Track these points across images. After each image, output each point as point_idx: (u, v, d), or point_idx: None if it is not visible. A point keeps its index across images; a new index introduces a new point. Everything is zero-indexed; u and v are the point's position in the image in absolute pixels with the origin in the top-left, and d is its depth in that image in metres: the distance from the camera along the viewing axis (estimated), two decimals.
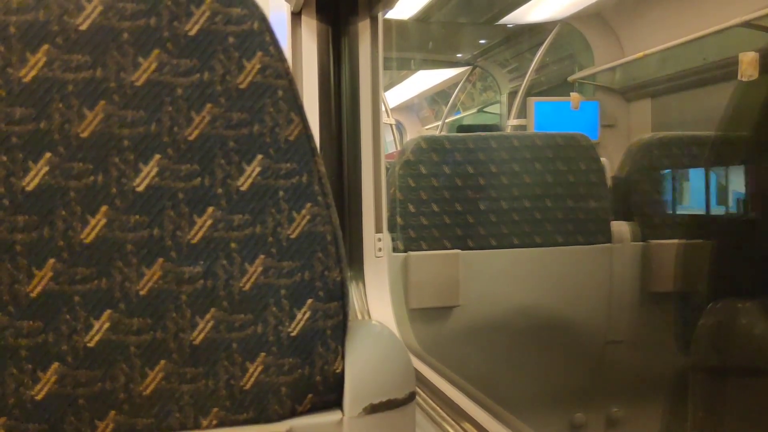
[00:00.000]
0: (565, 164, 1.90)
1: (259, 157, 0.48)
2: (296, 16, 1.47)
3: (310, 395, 0.50)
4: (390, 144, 6.47)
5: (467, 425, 1.15)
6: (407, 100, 8.25)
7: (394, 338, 0.55)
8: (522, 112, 4.99)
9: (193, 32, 0.47)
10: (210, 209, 0.47)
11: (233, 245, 0.48)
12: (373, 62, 1.54)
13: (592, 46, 4.73)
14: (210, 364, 0.48)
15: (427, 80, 7.31)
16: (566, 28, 4.82)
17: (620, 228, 1.93)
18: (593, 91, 4.89)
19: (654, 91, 4.36)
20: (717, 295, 0.91)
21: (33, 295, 0.45)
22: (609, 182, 2.01)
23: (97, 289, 0.46)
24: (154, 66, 0.46)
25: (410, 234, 1.80)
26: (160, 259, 0.47)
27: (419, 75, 7.09)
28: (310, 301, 0.50)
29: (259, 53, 0.48)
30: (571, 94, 4.67)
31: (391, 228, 1.80)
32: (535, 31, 5.08)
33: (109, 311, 0.46)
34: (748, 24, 3.10)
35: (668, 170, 1.94)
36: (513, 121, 5.11)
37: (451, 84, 7.04)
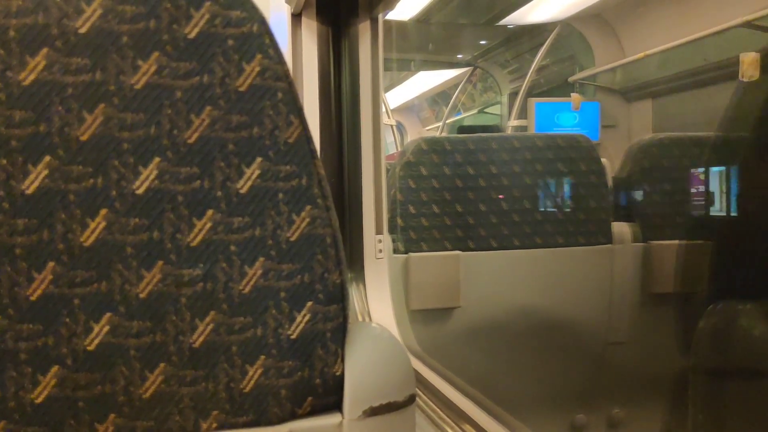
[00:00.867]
0: (566, 165, 1.90)
1: (259, 159, 0.48)
2: (296, 17, 1.47)
3: (309, 398, 0.50)
4: (391, 145, 6.47)
5: (467, 427, 1.15)
6: (408, 101, 8.25)
7: (394, 341, 0.55)
8: (523, 113, 4.99)
9: (192, 35, 0.47)
10: (209, 212, 0.47)
11: (233, 248, 0.48)
12: (374, 63, 1.54)
13: (592, 46, 4.73)
14: (210, 367, 0.48)
15: (427, 81, 7.31)
16: (567, 29, 4.82)
17: (621, 229, 1.93)
18: (594, 91, 4.89)
19: (655, 92, 4.36)
20: (717, 296, 0.91)
21: (33, 298, 0.45)
22: (610, 183, 2.01)
23: (97, 292, 0.46)
24: (153, 69, 0.46)
25: (411, 235, 1.80)
26: (160, 262, 0.47)
27: (420, 76, 7.10)
28: (309, 303, 0.50)
29: (259, 56, 0.48)
30: (572, 94, 4.67)
31: (392, 229, 1.80)
32: (536, 32, 5.08)
33: (108, 314, 0.46)
34: (748, 24, 3.10)
35: (669, 171, 1.94)
36: (514, 122, 5.11)
37: (452, 85, 7.05)
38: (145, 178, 0.46)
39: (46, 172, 0.45)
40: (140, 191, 0.46)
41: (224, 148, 0.47)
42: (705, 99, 3.74)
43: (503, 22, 5.05)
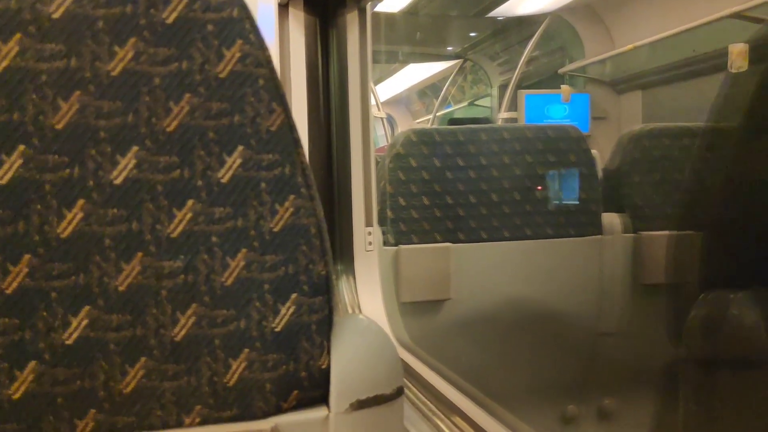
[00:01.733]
0: (556, 156, 1.89)
1: (240, 148, 0.47)
2: (283, 8, 1.46)
3: (295, 392, 0.49)
4: (381, 138, 6.45)
5: (458, 419, 1.14)
6: (398, 94, 8.23)
7: (382, 332, 0.54)
8: (513, 105, 4.98)
9: (170, 20, 0.45)
10: (190, 202, 0.46)
11: (214, 239, 0.47)
12: (362, 54, 1.53)
13: (582, 38, 4.73)
14: (192, 361, 0.47)
15: (417, 74, 7.30)
16: (556, 21, 4.81)
17: (611, 220, 1.92)
18: (584, 83, 4.89)
19: (644, 83, 4.37)
20: (708, 286, 0.91)
21: (8, 291, 0.44)
22: (600, 174, 2.01)
23: (75, 284, 0.45)
24: (130, 55, 0.45)
25: (401, 227, 1.79)
26: (139, 254, 0.45)
27: (410, 68, 7.08)
28: (294, 295, 0.49)
29: (239, 41, 0.46)
30: (562, 86, 4.67)
31: (382, 221, 1.79)
32: (526, 24, 5.07)
33: (87, 307, 0.45)
34: (737, 15, 3.10)
35: (659, 161, 1.94)
36: (504, 114, 5.10)
37: (442, 77, 7.03)
38: (123, 168, 0.45)
39: (20, 161, 0.43)
40: (118, 181, 0.45)
41: (204, 137, 0.46)
42: (694, 90, 3.74)
43: (493, 13, 5.04)
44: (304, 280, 0.49)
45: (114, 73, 0.44)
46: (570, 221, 1.89)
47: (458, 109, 7.09)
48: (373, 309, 1.52)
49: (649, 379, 1.63)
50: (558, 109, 4.71)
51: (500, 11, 4.94)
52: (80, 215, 0.44)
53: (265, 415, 0.49)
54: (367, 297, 1.53)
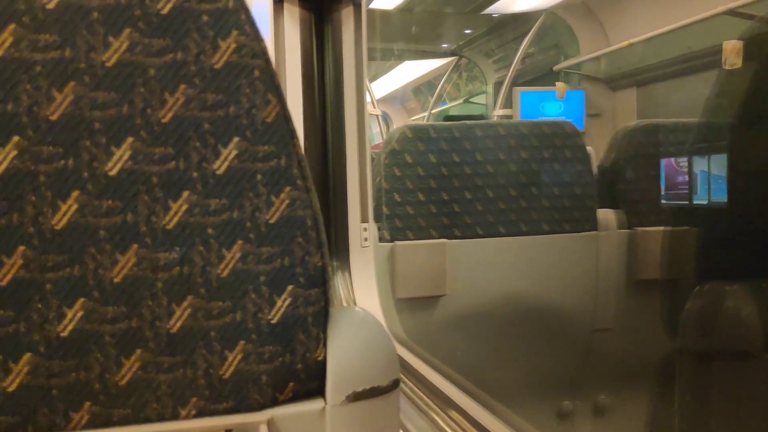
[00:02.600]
0: (551, 152, 1.89)
1: (236, 139, 0.47)
2: (278, 3, 1.46)
3: (291, 384, 0.49)
4: (376, 135, 6.45)
5: (454, 413, 1.15)
6: (393, 91, 8.23)
7: (378, 325, 0.54)
8: (508, 102, 4.99)
9: (165, 11, 0.45)
10: (185, 194, 0.46)
11: (210, 231, 0.47)
12: (357, 50, 1.53)
13: (577, 35, 4.74)
14: (188, 353, 0.47)
15: (412, 71, 7.30)
16: (551, 18, 4.82)
17: (606, 216, 1.93)
18: (579, 80, 4.90)
19: (639, 80, 4.38)
20: (704, 279, 0.91)
21: (3, 283, 0.44)
22: (595, 170, 2.01)
23: (70, 276, 0.44)
24: (125, 46, 0.44)
25: (396, 223, 1.80)
26: (135, 246, 0.45)
27: (405, 66, 7.07)
28: (290, 287, 0.48)
29: (235, 32, 0.46)
30: (557, 83, 4.67)
31: (378, 218, 1.79)
32: (521, 21, 5.08)
33: (82, 299, 0.45)
34: (731, 12, 3.11)
35: (654, 157, 1.95)
36: (499, 111, 5.11)
37: (437, 75, 7.03)
38: (118, 159, 0.45)
39: (15, 152, 0.43)
40: (113, 172, 0.45)
41: (200, 128, 0.46)
42: (689, 87, 3.75)
43: (488, 11, 5.04)
44: (300, 272, 0.49)
45: (109, 64, 0.44)
46: (565, 217, 1.89)
47: (453, 107, 7.09)
48: (369, 305, 1.52)
49: (644, 374, 1.63)
50: (553, 106, 4.72)
51: (495, 8, 4.95)
52: (75, 207, 0.44)
53: (261, 407, 0.48)
54: (362, 293, 1.53)
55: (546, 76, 5.09)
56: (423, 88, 7.86)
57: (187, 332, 0.47)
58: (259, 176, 0.47)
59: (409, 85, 7.99)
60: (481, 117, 5.94)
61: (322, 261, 0.50)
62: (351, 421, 0.50)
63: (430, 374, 1.31)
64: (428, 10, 5.18)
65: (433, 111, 6.95)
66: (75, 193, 0.44)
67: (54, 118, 0.44)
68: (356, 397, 0.50)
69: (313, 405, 0.49)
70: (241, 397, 0.48)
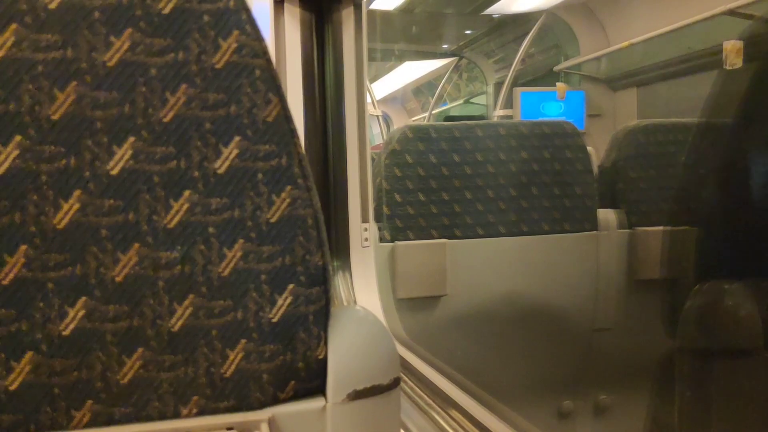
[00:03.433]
0: (551, 152, 1.89)
1: (237, 138, 0.47)
2: (279, 4, 1.46)
3: (292, 382, 0.49)
4: (377, 136, 6.45)
5: (455, 413, 1.15)
6: (394, 92, 8.23)
7: (378, 323, 0.54)
8: (508, 103, 4.99)
9: (166, 10, 0.45)
10: (186, 193, 0.46)
11: (211, 230, 0.47)
12: (358, 50, 1.53)
13: (577, 35, 4.74)
14: (189, 352, 0.47)
15: (413, 72, 7.30)
16: (552, 18, 4.82)
17: (607, 215, 1.93)
18: (579, 80, 4.90)
19: (639, 80, 4.38)
20: (703, 277, 0.91)
21: (5, 282, 0.44)
22: (595, 170, 2.01)
23: (72, 275, 0.45)
24: (126, 45, 0.45)
25: (397, 223, 1.80)
26: (136, 245, 0.45)
27: (405, 66, 7.07)
28: (291, 286, 0.49)
29: (236, 32, 0.46)
30: (557, 84, 4.67)
31: (378, 218, 1.79)
32: (521, 22, 5.08)
33: (84, 298, 0.45)
34: (731, 12, 3.11)
35: (654, 157, 1.95)
36: (499, 112, 5.11)
37: (438, 75, 7.03)
38: (120, 158, 0.45)
39: (17, 152, 0.43)
40: (115, 172, 0.45)
41: (201, 127, 0.46)
42: (689, 87, 3.75)
43: (488, 11, 5.04)
44: (301, 270, 0.49)
45: (110, 64, 0.44)
46: (565, 217, 1.89)
47: (454, 107, 7.10)
48: (370, 305, 1.52)
49: (645, 374, 1.63)
50: (553, 107, 4.72)
51: (495, 9, 4.95)
52: (77, 206, 0.44)
53: (262, 405, 0.49)
54: (363, 293, 1.53)
55: (546, 77, 5.10)
56: (423, 88, 7.87)
57: (189, 331, 0.47)
58: (260, 175, 0.48)
59: (410, 86, 7.99)
60: (481, 117, 5.94)
61: (322, 260, 0.50)
62: (352, 420, 0.50)
63: (431, 374, 1.31)
64: (428, 11, 5.18)
65: (433, 111, 6.95)
66: (77, 193, 0.44)
67: (56, 117, 0.44)
68: (357, 395, 0.50)
69: (314, 403, 0.49)
70: (242, 395, 0.48)
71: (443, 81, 6.75)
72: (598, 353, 1.94)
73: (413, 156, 1.81)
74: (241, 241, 0.47)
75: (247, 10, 0.47)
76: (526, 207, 1.87)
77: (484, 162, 1.85)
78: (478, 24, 5.46)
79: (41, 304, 0.44)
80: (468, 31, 5.66)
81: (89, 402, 0.46)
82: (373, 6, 4.60)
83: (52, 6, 0.44)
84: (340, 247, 1.54)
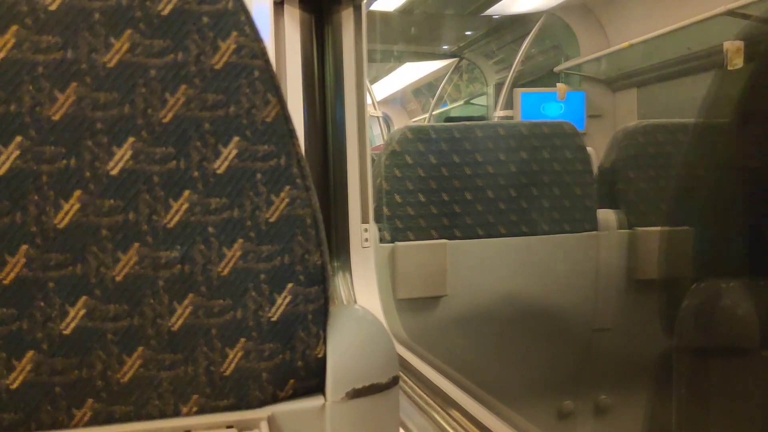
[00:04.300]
0: (551, 153, 1.90)
1: (236, 139, 0.47)
2: (278, 5, 1.46)
3: (291, 381, 0.50)
4: (378, 137, 6.45)
5: (455, 412, 1.15)
6: (394, 93, 8.24)
7: (377, 322, 0.55)
8: (509, 104, 4.99)
9: (165, 12, 0.46)
10: (186, 193, 0.47)
11: (210, 229, 0.47)
12: (358, 52, 1.53)
13: (577, 36, 4.74)
14: (189, 351, 0.47)
15: (413, 72, 7.30)
16: (552, 19, 4.82)
17: (607, 216, 1.93)
18: (579, 81, 4.90)
19: (640, 81, 4.38)
20: (701, 277, 0.91)
21: (6, 282, 0.44)
22: (595, 171, 2.02)
23: (72, 275, 0.45)
24: (126, 47, 0.45)
25: (397, 224, 1.80)
26: (136, 244, 0.46)
27: (406, 67, 7.08)
28: (290, 285, 0.49)
29: (234, 33, 0.47)
30: (558, 84, 4.67)
31: (378, 218, 1.80)
32: (521, 22, 5.08)
33: (84, 297, 0.45)
34: (731, 13, 3.11)
35: (653, 157, 1.95)
36: (500, 113, 5.11)
37: (438, 76, 7.04)
38: (120, 159, 0.45)
39: (17, 152, 0.44)
40: (115, 172, 0.45)
41: (200, 128, 0.46)
42: (689, 88, 3.75)
43: (488, 12, 5.04)
44: (299, 270, 0.49)
45: (110, 65, 0.45)
46: (565, 217, 1.89)
47: (454, 108, 7.10)
48: (370, 306, 1.52)
49: (645, 374, 1.63)
50: (554, 108, 4.72)
51: (495, 10, 4.95)
52: (77, 206, 0.45)
53: (262, 404, 0.49)
54: (363, 294, 1.53)
55: (547, 78, 5.09)
56: (424, 89, 7.87)
57: (188, 330, 0.47)
58: (259, 175, 0.48)
59: (410, 87, 8.00)
60: (482, 118, 5.94)
61: (321, 259, 0.50)
62: (351, 418, 0.50)
63: (431, 373, 1.31)
64: (428, 12, 5.19)
65: (434, 112, 6.95)
66: (77, 193, 0.45)
67: (56, 118, 0.44)
68: (356, 394, 0.50)
69: (313, 402, 0.50)
70: (241, 394, 0.49)
71: (443, 82, 6.76)
72: (598, 353, 1.94)
73: (413, 157, 1.81)
74: (240, 240, 0.48)
75: (246, 12, 0.48)
76: (526, 207, 1.88)
77: (484, 162, 1.85)
78: (478, 25, 5.47)
79: (42, 304, 0.45)
80: (468, 32, 5.66)
81: (90, 401, 0.46)
82: (373, 7, 4.61)
83: (53, 7, 0.44)
84: (340, 248, 1.54)
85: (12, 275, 0.44)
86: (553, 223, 1.89)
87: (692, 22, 3.40)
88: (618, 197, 1.96)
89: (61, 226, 0.45)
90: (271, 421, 0.48)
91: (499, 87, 5.60)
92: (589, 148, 2.03)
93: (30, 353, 0.45)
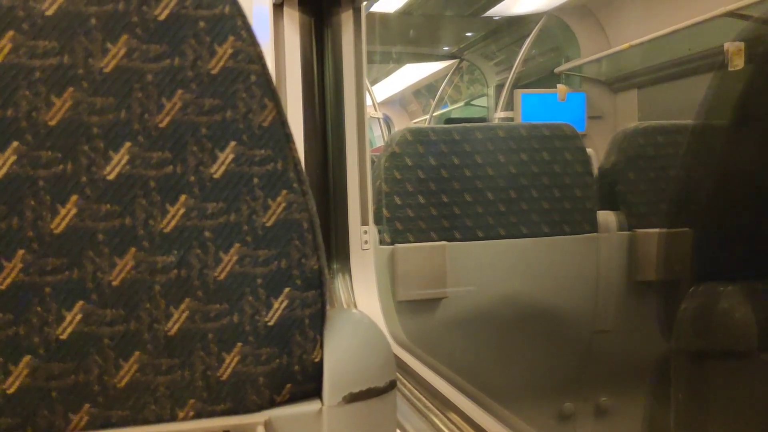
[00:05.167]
0: (551, 154, 1.90)
1: (233, 143, 0.47)
2: (278, 7, 1.46)
3: (288, 385, 0.50)
4: (378, 138, 6.46)
5: (453, 415, 1.15)
6: (395, 94, 8.24)
7: (374, 326, 0.55)
8: (509, 105, 4.99)
9: (162, 17, 0.46)
10: (182, 197, 0.47)
11: (207, 234, 0.47)
12: (357, 54, 1.53)
13: (578, 37, 4.74)
14: (186, 355, 0.47)
15: (414, 74, 7.30)
16: (552, 20, 4.83)
17: (606, 218, 1.93)
18: (580, 82, 4.90)
19: (640, 82, 4.38)
20: (699, 279, 0.91)
21: (2, 287, 0.44)
22: (595, 172, 2.01)
23: (69, 280, 0.45)
24: (123, 52, 0.45)
25: (397, 226, 1.80)
26: (133, 249, 0.46)
27: (406, 69, 7.08)
28: (287, 289, 0.49)
29: (231, 38, 0.47)
30: (558, 86, 4.67)
31: (378, 220, 1.80)
32: (521, 23, 5.08)
33: (81, 302, 0.45)
34: (731, 14, 3.12)
35: (653, 159, 1.95)
36: (500, 114, 5.11)
37: (439, 77, 7.04)
38: (116, 164, 0.45)
39: (14, 158, 0.44)
40: (111, 177, 0.45)
41: (197, 132, 0.46)
42: (690, 89, 3.75)
43: (489, 13, 5.05)
44: (296, 274, 0.49)
45: (107, 70, 0.45)
46: (565, 219, 1.89)
47: (455, 109, 7.10)
48: (370, 308, 1.52)
49: (645, 376, 1.63)
50: (554, 108, 4.72)
51: (496, 11, 4.96)
52: (74, 211, 0.45)
53: (259, 408, 0.49)
54: (363, 296, 1.53)
55: (547, 79, 5.09)
56: (424, 90, 7.87)
57: (185, 335, 0.47)
58: (255, 180, 0.48)
59: (411, 88, 8.00)
60: (482, 119, 5.94)
61: (318, 263, 0.50)
62: (348, 422, 0.50)
63: (430, 376, 1.31)
64: (428, 13, 5.19)
65: (434, 114, 6.95)
66: (74, 198, 0.45)
67: (53, 123, 0.44)
68: (353, 398, 0.50)
69: (310, 406, 0.50)
70: (238, 398, 0.48)
71: (444, 83, 6.76)
72: (598, 355, 1.94)
73: (413, 159, 1.81)
74: (237, 245, 0.48)
75: (243, 16, 0.48)
76: (526, 209, 1.87)
77: (484, 164, 1.85)
78: (478, 26, 5.47)
79: (39, 308, 0.45)
80: (468, 34, 5.66)
81: (86, 405, 0.46)
82: (373, 8, 4.61)
83: (49, 13, 0.44)
84: (339, 250, 1.54)
85: (8, 280, 0.44)
86: (553, 225, 1.89)
87: (693, 24, 3.41)
88: (618, 199, 1.96)
89: (58, 231, 0.45)
90: (267, 425, 0.48)
91: (499, 88, 5.60)
92: (589, 150, 2.03)
93: (27, 358, 0.45)
